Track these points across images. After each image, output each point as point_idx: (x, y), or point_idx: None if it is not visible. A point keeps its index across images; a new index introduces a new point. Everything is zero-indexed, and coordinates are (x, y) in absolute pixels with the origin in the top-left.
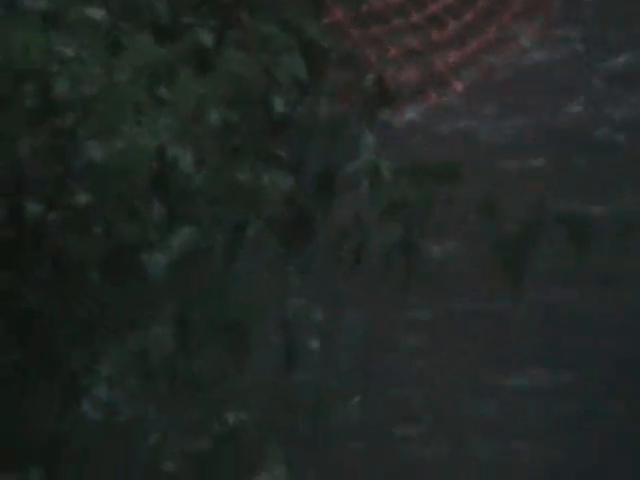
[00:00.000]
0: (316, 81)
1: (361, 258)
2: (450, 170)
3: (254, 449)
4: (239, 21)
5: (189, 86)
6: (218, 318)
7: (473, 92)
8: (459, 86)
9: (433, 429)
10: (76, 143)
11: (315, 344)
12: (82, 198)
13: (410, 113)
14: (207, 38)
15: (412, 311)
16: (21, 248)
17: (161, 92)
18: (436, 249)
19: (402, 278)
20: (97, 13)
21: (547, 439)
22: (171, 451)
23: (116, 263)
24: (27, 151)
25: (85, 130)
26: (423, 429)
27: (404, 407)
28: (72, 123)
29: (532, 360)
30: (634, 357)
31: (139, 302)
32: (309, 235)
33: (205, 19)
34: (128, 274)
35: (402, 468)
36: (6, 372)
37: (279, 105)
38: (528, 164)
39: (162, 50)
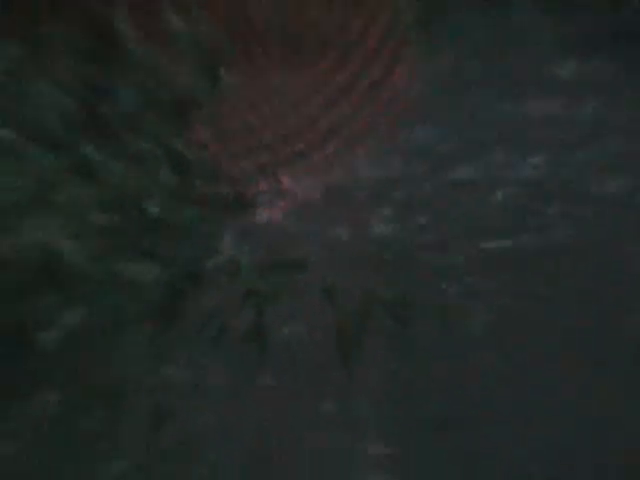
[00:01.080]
0: (183, 189)
1: (222, 337)
2: (296, 263)
3: None
4: (119, 137)
5: (76, 192)
6: (100, 385)
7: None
8: (308, 195)
9: None
10: None
11: (180, 404)
12: None
13: (265, 216)
14: (92, 152)
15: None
16: None
17: (50, 196)
18: (285, 331)
19: (256, 355)
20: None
21: None
22: None
23: (10, 340)
24: None
25: None
26: None
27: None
28: None
29: None
30: None
31: (31, 372)
32: (179, 316)
33: (90, 136)
34: (22, 349)
35: None
36: None
37: (153, 209)
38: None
39: (51, 158)
